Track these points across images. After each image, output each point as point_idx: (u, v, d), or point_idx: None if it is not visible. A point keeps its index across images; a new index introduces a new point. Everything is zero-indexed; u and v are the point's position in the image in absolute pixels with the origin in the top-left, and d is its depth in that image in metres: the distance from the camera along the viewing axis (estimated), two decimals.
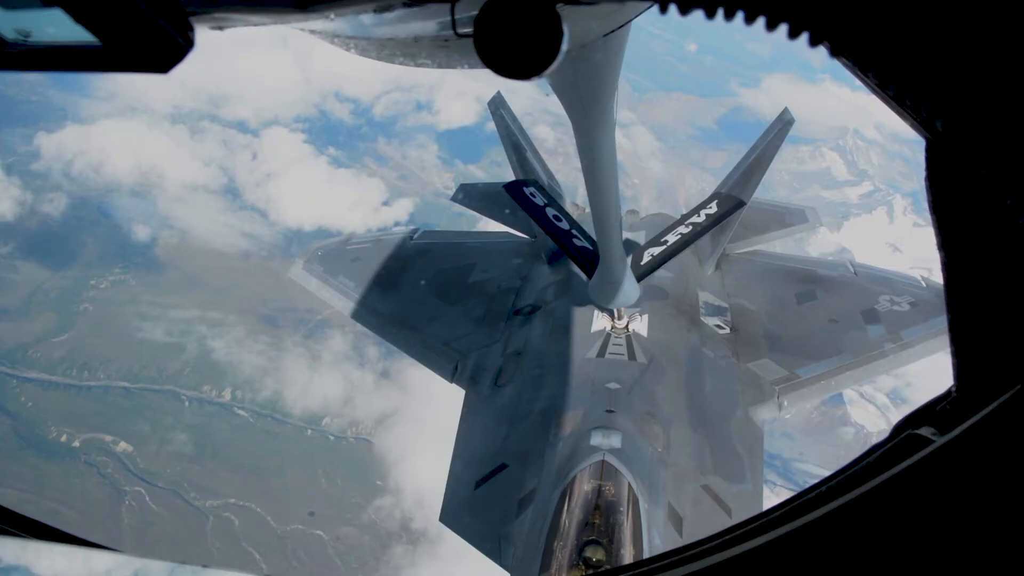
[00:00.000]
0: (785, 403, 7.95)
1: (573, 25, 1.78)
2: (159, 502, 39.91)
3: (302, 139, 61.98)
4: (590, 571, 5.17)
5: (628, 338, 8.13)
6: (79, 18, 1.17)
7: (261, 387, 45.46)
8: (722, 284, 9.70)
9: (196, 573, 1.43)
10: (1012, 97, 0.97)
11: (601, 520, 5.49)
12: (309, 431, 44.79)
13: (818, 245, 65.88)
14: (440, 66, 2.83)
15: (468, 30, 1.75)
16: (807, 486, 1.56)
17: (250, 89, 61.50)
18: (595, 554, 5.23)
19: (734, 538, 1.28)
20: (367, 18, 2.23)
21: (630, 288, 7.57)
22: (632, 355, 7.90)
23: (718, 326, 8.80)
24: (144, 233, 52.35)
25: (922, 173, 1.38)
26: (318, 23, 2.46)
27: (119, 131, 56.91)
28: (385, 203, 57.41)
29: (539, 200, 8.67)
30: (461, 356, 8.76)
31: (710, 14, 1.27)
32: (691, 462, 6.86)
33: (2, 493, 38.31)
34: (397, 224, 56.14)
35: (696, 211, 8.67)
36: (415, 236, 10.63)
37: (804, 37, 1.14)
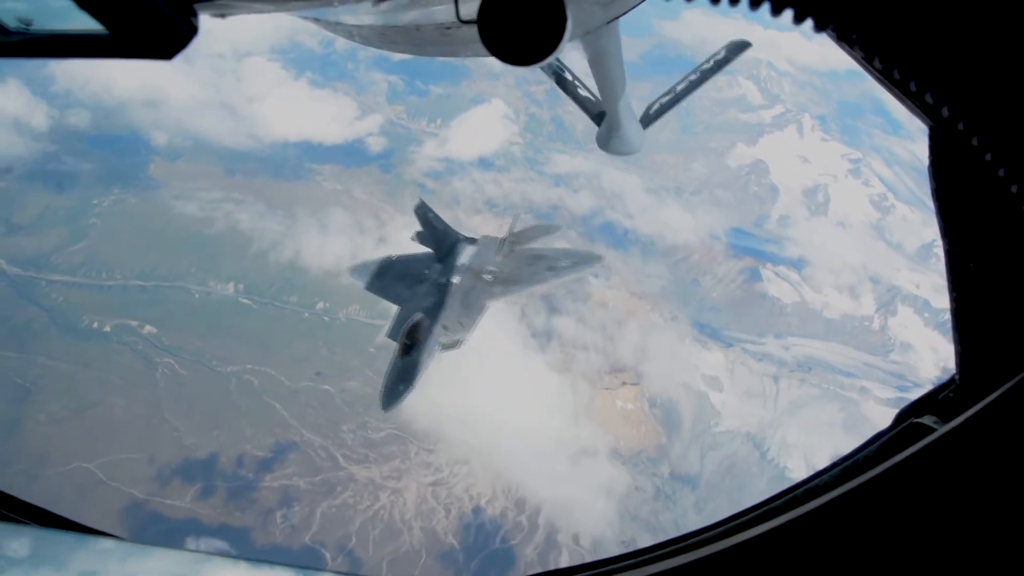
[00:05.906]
0: (500, 302, 20.70)
1: (577, 11, 1.78)
2: (187, 369, 47.28)
3: (279, 67, 67.68)
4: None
5: (466, 289, 19.71)
6: (84, 5, 1.17)
7: (283, 248, 52.91)
8: (502, 264, 20.77)
9: (198, 560, 1.43)
10: (1018, 83, 0.97)
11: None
12: (306, 314, 52.22)
13: (737, 158, 74.96)
14: (443, 55, 2.88)
15: (471, 17, 1.77)
16: (810, 474, 1.61)
17: (219, 25, 65.91)
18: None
19: (739, 525, 1.31)
20: (370, 6, 2.28)
21: (635, 137, 8.75)
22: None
23: (488, 278, 20.09)
24: (162, 139, 58.48)
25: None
26: (320, 11, 2.50)
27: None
28: (357, 118, 64.41)
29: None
30: (415, 306, 19.28)
31: None
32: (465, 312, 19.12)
33: (43, 368, 44.73)
34: (369, 135, 63.84)
35: (707, 60, 10.48)
36: (394, 257, 21.60)
37: (809, 21, 1.14)
